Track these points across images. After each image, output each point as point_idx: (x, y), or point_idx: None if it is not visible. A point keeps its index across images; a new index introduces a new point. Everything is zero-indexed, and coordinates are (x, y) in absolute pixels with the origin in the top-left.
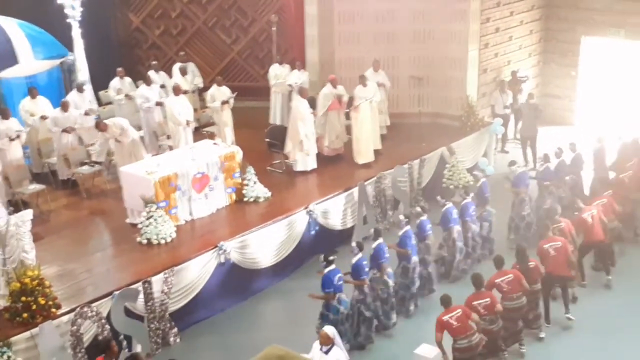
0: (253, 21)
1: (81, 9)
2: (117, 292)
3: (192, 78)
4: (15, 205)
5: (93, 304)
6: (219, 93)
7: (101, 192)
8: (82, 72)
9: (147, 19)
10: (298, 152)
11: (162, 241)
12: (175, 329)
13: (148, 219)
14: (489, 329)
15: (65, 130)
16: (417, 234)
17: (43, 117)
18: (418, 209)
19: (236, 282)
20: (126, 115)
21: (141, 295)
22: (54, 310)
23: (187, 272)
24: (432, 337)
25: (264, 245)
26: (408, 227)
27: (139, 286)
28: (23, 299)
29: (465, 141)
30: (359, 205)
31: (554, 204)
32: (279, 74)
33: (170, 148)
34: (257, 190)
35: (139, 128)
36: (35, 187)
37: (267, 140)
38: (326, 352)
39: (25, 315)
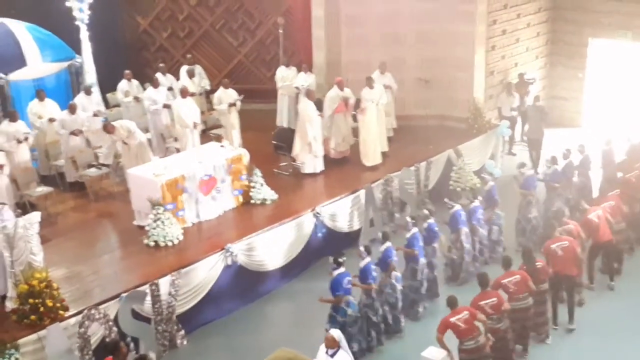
0: (260, 24)
1: (89, 12)
2: (124, 295)
3: (200, 80)
4: (23, 207)
5: (100, 306)
6: (226, 95)
7: (108, 194)
8: (90, 75)
9: (154, 21)
10: (306, 154)
11: (169, 243)
12: (183, 331)
13: (155, 221)
14: (496, 328)
15: (72, 133)
16: (425, 237)
17: (51, 120)
18: (425, 211)
19: (243, 284)
20: (133, 118)
21: (148, 298)
22: (61, 312)
23: (194, 274)
24: None
25: (271, 248)
26: (416, 230)
27: (146, 288)
28: (31, 301)
29: (472, 143)
30: (365, 208)
31: (562, 206)
32: (286, 77)
33: (178, 150)
34: (264, 192)
35: (146, 130)
36: (42, 189)
37: (274, 142)
38: (332, 356)
39: (32, 317)
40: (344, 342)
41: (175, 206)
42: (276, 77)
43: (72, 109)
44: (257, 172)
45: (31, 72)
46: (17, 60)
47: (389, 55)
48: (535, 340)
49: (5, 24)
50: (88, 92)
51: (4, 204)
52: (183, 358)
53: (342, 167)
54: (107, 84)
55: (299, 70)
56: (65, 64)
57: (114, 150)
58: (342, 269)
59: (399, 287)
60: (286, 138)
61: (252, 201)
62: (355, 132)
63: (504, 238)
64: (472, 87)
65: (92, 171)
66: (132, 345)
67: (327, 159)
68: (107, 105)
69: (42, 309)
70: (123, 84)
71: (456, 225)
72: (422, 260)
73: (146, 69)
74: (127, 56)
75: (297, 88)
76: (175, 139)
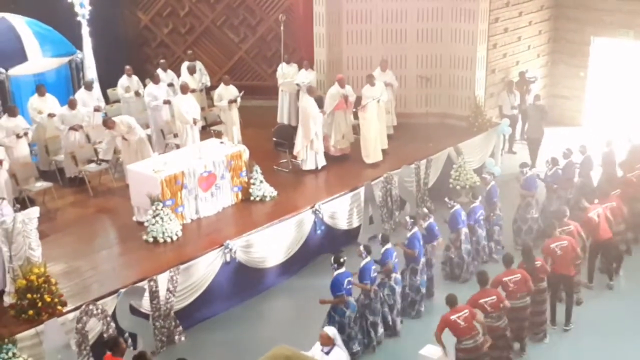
0: (261, 20)
1: (90, 7)
2: (122, 290)
3: (200, 77)
4: (22, 202)
5: (99, 302)
6: (227, 92)
7: (108, 190)
8: (90, 70)
9: (155, 17)
10: (308, 150)
11: (168, 239)
12: (181, 327)
13: (154, 217)
14: (495, 326)
15: (72, 128)
16: (425, 237)
17: (51, 115)
18: (424, 209)
19: (242, 280)
20: (134, 114)
21: (147, 294)
22: (59, 307)
23: (193, 270)
24: None
25: (270, 245)
26: (416, 229)
27: (144, 284)
28: (29, 296)
29: (472, 142)
30: (365, 205)
31: (562, 206)
32: (287, 73)
33: (177, 146)
34: (263, 189)
35: (146, 126)
36: (42, 184)
37: (274, 139)
38: (327, 353)
39: (30, 312)
40: (338, 340)
41: (174, 202)
42: (277, 74)
43: (72, 105)
44: (257, 168)
45: (32, 67)
46: (18, 55)
47: (390, 53)
48: (533, 339)
49: (6, 19)
50: (88, 87)
51: (3, 198)
52: (181, 354)
53: (342, 165)
54: (108, 80)
55: (300, 67)
56: (65, 59)
57: (113, 146)
58: (342, 269)
59: (398, 289)
60: (286, 135)
61: (252, 198)
62: (355, 129)
63: (502, 238)
64: (473, 85)
65: (92, 167)
66: (129, 341)
67: (327, 156)
68: (108, 100)
69: (40, 304)
70: (123, 80)
71: (456, 225)
72: (422, 260)
73: (147, 64)
74: (128, 52)
75: (297, 85)
76: (175, 135)
